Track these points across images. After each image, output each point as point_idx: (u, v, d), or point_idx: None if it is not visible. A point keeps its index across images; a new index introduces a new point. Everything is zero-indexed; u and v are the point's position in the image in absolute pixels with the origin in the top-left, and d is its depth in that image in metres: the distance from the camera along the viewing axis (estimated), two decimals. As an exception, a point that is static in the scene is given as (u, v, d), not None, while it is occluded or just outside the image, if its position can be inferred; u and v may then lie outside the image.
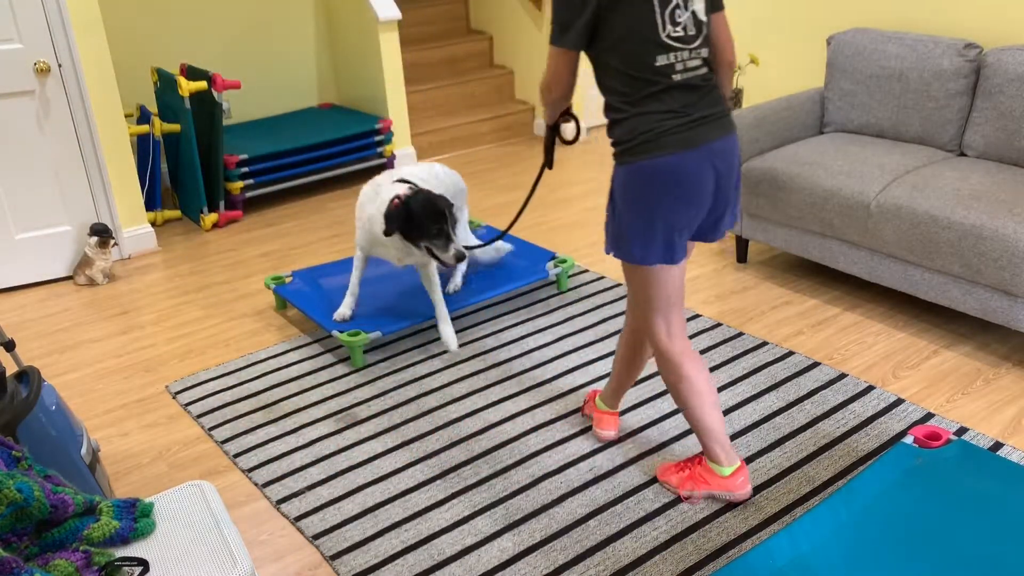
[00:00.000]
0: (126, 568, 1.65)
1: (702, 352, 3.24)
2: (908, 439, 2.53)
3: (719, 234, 2.36)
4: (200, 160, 4.64)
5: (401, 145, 5.50)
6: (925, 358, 3.13)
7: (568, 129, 2.47)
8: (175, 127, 4.64)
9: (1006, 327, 3.18)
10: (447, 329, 3.27)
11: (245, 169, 4.81)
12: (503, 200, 4.92)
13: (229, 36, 5.39)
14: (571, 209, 4.74)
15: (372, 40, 5.29)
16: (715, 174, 2.19)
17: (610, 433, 2.74)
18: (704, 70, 2.17)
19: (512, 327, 3.50)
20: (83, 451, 2.32)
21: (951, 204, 3.07)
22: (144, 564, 1.67)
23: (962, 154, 3.58)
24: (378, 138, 5.27)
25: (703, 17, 2.16)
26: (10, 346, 2.60)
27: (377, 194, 3.14)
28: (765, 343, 3.27)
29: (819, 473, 2.56)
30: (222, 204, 4.76)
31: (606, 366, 3.17)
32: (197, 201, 4.71)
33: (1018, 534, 2.15)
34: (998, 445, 2.62)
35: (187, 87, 4.45)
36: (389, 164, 5.40)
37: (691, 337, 3.34)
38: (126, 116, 4.70)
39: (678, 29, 2.11)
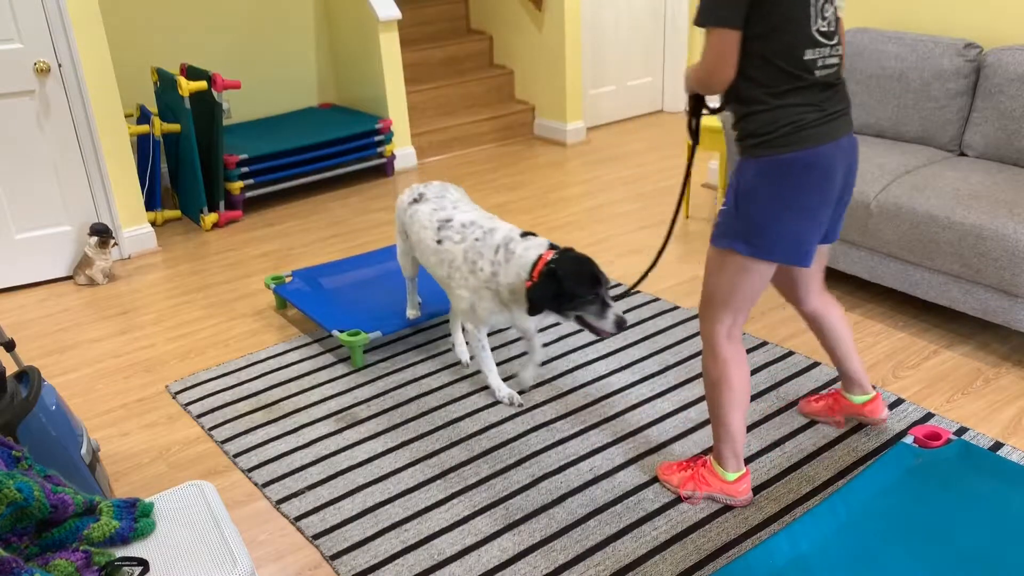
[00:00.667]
0: (126, 568, 1.65)
1: (699, 352, 3.24)
2: (908, 439, 2.53)
3: (834, 236, 2.33)
4: (200, 160, 4.64)
5: (401, 145, 5.50)
6: (925, 358, 3.13)
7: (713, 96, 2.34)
8: (175, 127, 4.64)
9: (1006, 327, 3.18)
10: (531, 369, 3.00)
11: (245, 169, 4.81)
12: (503, 200, 4.92)
13: (229, 36, 5.39)
14: (571, 209, 4.74)
15: (372, 40, 5.29)
16: (845, 170, 2.17)
17: (885, 413, 2.66)
18: (837, 68, 2.12)
19: (512, 327, 3.49)
20: (83, 451, 2.32)
21: (951, 204, 3.07)
22: (144, 564, 1.67)
23: (962, 154, 3.58)
24: (378, 138, 5.27)
25: (841, 14, 2.12)
26: (10, 346, 2.59)
27: (510, 255, 2.72)
28: (765, 343, 3.27)
29: (819, 473, 2.56)
30: (222, 204, 4.76)
31: (607, 365, 3.17)
32: (197, 201, 4.71)
33: (1018, 534, 2.15)
34: (998, 445, 2.61)
35: (187, 87, 4.45)
36: (389, 164, 5.40)
37: (691, 338, 3.34)
38: (126, 116, 4.70)
39: (824, 24, 2.05)
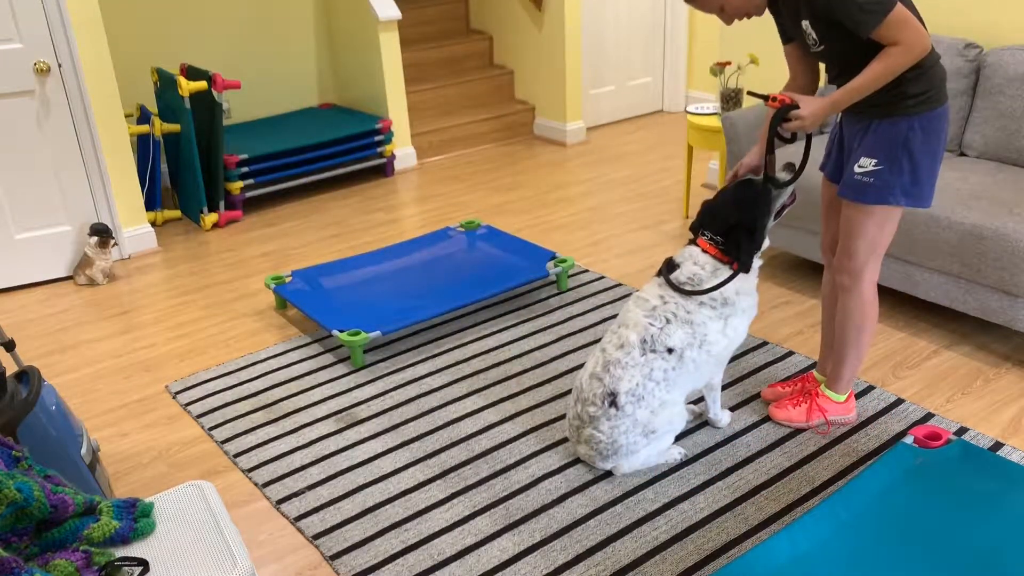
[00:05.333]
0: (126, 568, 1.65)
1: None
2: (908, 439, 2.54)
3: None
4: (200, 160, 4.64)
5: (401, 145, 5.50)
6: (925, 358, 3.13)
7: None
8: (175, 127, 4.64)
9: (1006, 327, 3.18)
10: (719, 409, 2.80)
11: (245, 169, 4.81)
12: (503, 200, 4.92)
13: (229, 36, 5.39)
14: (571, 209, 4.74)
15: (372, 40, 5.29)
16: None
17: (853, 416, 2.80)
18: None
19: (512, 327, 3.50)
20: (83, 451, 2.32)
21: (951, 204, 3.07)
22: (144, 564, 1.67)
23: (962, 154, 3.58)
24: (378, 138, 5.27)
25: None
26: (10, 346, 2.59)
27: (676, 298, 2.50)
28: (765, 343, 3.27)
29: (819, 473, 2.56)
30: (222, 204, 4.76)
31: (606, 366, 3.17)
32: (197, 201, 4.71)
33: (1018, 534, 2.15)
34: (998, 445, 2.62)
35: (187, 87, 4.45)
36: (389, 164, 5.40)
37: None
38: (126, 116, 4.70)
39: None
